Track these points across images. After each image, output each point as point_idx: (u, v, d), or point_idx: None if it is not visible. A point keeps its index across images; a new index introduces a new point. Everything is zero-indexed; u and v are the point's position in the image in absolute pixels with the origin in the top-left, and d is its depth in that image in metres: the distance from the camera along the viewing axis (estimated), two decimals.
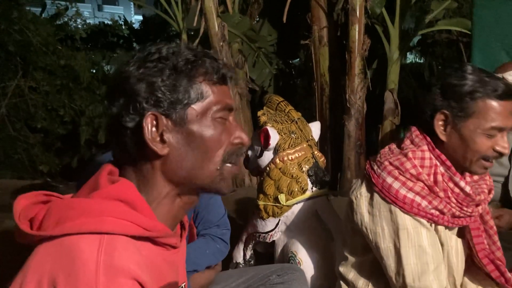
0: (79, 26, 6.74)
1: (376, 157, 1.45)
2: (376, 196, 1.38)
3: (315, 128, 2.22)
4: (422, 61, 6.63)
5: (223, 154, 0.82)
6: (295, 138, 2.10)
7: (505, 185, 2.08)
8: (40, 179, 5.45)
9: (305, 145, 2.11)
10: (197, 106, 0.80)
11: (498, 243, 1.49)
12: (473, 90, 1.29)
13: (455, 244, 1.45)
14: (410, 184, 1.34)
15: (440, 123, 1.34)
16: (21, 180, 5.34)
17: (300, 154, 2.08)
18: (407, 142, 1.41)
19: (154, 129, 0.78)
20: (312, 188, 2.06)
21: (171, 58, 0.79)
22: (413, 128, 1.42)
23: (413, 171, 1.34)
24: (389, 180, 1.35)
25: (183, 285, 0.93)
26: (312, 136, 2.18)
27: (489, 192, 1.45)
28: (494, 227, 1.50)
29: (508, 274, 1.40)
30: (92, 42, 8.41)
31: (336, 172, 4.52)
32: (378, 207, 1.37)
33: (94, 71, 6.41)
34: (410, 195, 1.34)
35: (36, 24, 5.63)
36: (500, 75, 2.06)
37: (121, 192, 0.76)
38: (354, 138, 4.14)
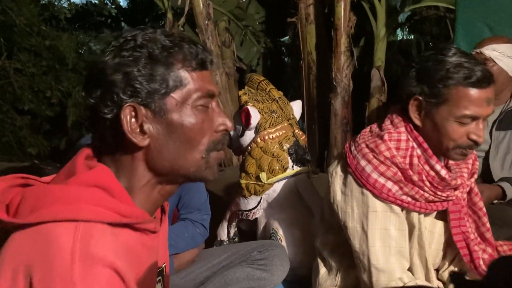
0: (65, 5, 6.58)
1: (356, 137, 1.44)
2: (349, 176, 1.39)
3: (296, 107, 2.24)
4: (411, 37, 6.60)
5: (207, 143, 0.80)
6: (276, 117, 2.12)
7: (485, 160, 2.09)
8: (28, 162, 5.43)
9: (286, 124, 2.13)
10: (176, 95, 0.78)
11: (488, 225, 1.48)
12: (446, 76, 1.26)
13: (430, 226, 1.45)
14: (382, 168, 1.33)
15: (414, 108, 1.32)
16: (9, 163, 5.32)
17: (281, 133, 2.10)
18: (387, 122, 1.40)
19: (133, 120, 0.76)
20: (293, 166, 2.09)
21: (147, 46, 0.76)
22: (394, 109, 1.41)
23: (387, 154, 1.33)
24: (363, 163, 1.36)
25: (163, 265, 0.93)
26: (293, 115, 2.20)
27: (471, 175, 1.43)
28: (484, 209, 1.49)
29: (480, 261, 1.40)
30: (79, 22, 8.28)
31: (323, 150, 4.55)
32: (351, 187, 1.38)
33: (82, 52, 6.33)
34: (382, 180, 1.33)
35: (19, 4, 5.52)
36: (478, 50, 2.08)
37: (98, 178, 0.75)
38: (340, 116, 4.15)
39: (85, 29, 7.87)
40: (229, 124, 0.83)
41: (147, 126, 0.77)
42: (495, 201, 1.98)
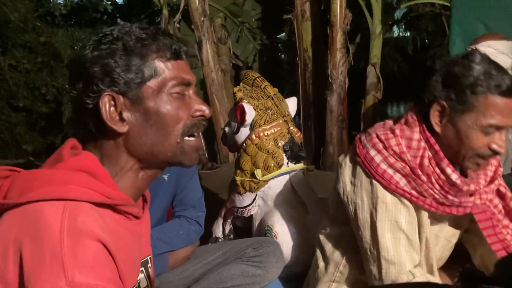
0: (60, 1, 6.55)
1: (368, 129, 1.42)
2: (358, 167, 1.37)
3: (292, 104, 2.24)
4: (408, 34, 6.62)
5: (182, 128, 0.84)
6: (271, 114, 2.11)
7: None
8: (24, 159, 5.42)
9: (281, 121, 2.13)
10: (152, 83, 0.82)
11: None
12: (475, 83, 1.21)
13: (436, 230, 1.42)
14: (392, 160, 1.31)
15: (437, 113, 1.28)
16: (4, 160, 5.30)
17: (276, 130, 2.09)
18: (402, 121, 1.37)
19: (112, 108, 0.81)
20: (287, 163, 2.09)
21: (122, 39, 0.81)
22: (411, 109, 1.37)
23: (396, 149, 1.31)
24: (372, 152, 1.33)
25: (148, 258, 0.95)
26: (288, 111, 2.20)
27: (492, 181, 1.39)
28: None
29: None
30: (74, 19, 8.24)
31: (319, 147, 4.56)
32: (360, 178, 1.36)
33: (77, 48, 6.29)
34: (390, 171, 1.31)
35: (14, 0, 5.48)
36: (473, 47, 2.09)
37: (84, 163, 0.79)
38: (336, 113, 4.15)
39: (80, 26, 7.83)
40: (206, 110, 0.86)
41: (125, 114, 0.81)
42: None
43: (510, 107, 1.23)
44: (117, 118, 0.81)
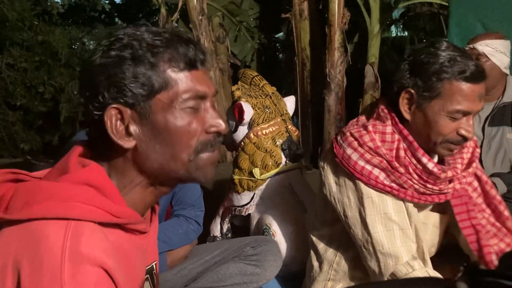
0: (57, 0, 6.55)
1: (343, 128, 1.45)
2: (339, 167, 1.39)
3: (290, 103, 2.24)
4: (406, 34, 6.62)
5: (195, 145, 0.78)
6: (269, 113, 2.12)
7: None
8: (21, 158, 5.40)
9: (279, 120, 2.13)
10: (162, 96, 0.75)
11: (506, 213, 1.44)
12: (440, 70, 1.25)
13: (424, 218, 1.44)
14: (368, 156, 1.34)
15: (405, 101, 1.31)
16: (1, 159, 5.29)
17: (274, 129, 2.10)
18: (374, 115, 1.40)
19: (119, 122, 0.75)
20: (286, 162, 2.09)
21: (132, 46, 0.74)
22: (381, 102, 1.40)
23: (370, 145, 1.33)
24: (349, 151, 1.36)
25: (153, 264, 0.93)
26: (286, 110, 2.20)
27: (469, 165, 1.40)
28: (498, 197, 1.46)
29: (492, 256, 1.35)
30: (72, 17, 8.21)
31: (317, 146, 4.56)
32: (343, 177, 1.39)
33: (75, 47, 6.28)
34: (368, 167, 1.34)
35: None
36: (471, 46, 2.09)
37: (91, 177, 0.74)
38: (334, 112, 4.15)
39: (78, 24, 7.79)
40: (222, 126, 0.79)
41: (133, 128, 0.76)
42: None
43: (475, 92, 1.26)
44: (124, 132, 0.76)
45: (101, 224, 0.72)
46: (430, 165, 1.31)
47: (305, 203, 2.08)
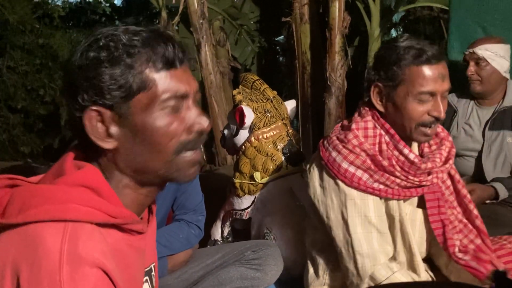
0: (58, 3, 6.56)
1: (329, 133, 1.50)
2: (324, 169, 1.43)
3: (291, 107, 2.24)
4: None
5: (175, 146, 0.77)
6: (270, 117, 2.12)
7: (478, 159, 2.10)
8: (21, 160, 5.40)
9: (280, 124, 2.13)
10: (141, 97, 0.74)
11: (475, 212, 1.50)
12: (398, 58, 1.33)
13: (411, 215, 1.47)
14: (351, 157, 1.38)
15: (376, 95, 1.38)
16: (1, 161, 5.28)
17: (275, 133, 2.10)
18: (356, 115, 1.46)
19: (99, 124, 0.74)
20: (286, 166, 2.09)
21: (109, 48, 0.73)
22: (361, 102, 1.46)
23: (354, 141, 1.38)
24: (334, 154, 1.40)
25: (152, 266, 0.92)
26: (287, 114, 2.20)
27: (446, 161, 1.46)
28: (468, 196, 1.52)
29: (455, 249, 1.40)
30: (72, 20, 8.23)
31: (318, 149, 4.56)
32: (327, 180, 1.42)
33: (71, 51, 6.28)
34: (352, 169, 1.38)
35: (12, 2, 5.48)
36: (471, 50, 2.10)
37: (87, 179, 0.74)
38: (334, 116, 4.16)
39: (79, 28, 7.81)
40: (205, 124, 0.78)
41: (113, 129, 0.75)
42: (487, 201, 1.99)
43: (435, 73, 1.33)
44: (105, 134, 0.75)
45: (99, 225, 0.72)
46: (412, 156, 1.37)
47: (306, 207, 2.08)
